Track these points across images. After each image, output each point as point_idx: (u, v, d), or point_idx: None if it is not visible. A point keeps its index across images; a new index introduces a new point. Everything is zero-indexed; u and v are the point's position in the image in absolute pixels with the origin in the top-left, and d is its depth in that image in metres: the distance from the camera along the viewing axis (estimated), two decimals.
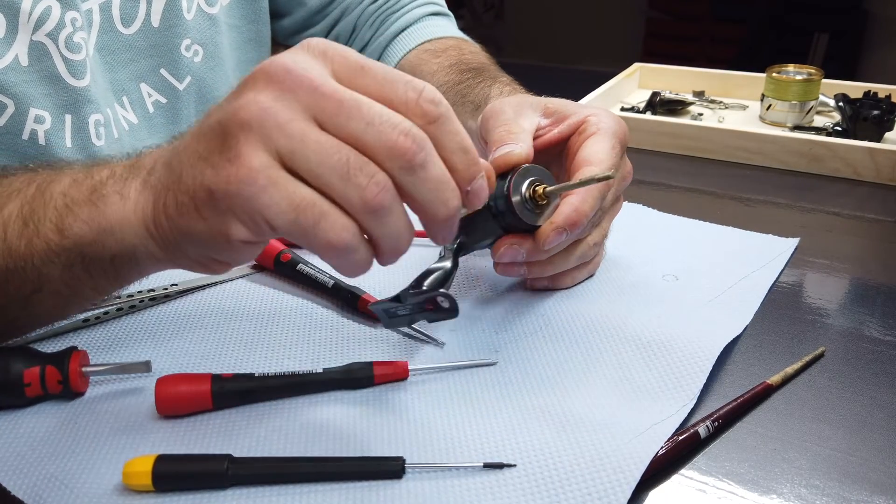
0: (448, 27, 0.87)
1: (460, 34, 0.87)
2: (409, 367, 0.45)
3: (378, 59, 0.85)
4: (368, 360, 0.46)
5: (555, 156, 0.55)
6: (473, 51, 0.82)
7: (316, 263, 0.56)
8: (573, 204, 0.49)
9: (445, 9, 0.91)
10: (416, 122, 0.36)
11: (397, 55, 0.84)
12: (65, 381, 0.43)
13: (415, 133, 0.35)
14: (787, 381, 0.46)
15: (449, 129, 0.37)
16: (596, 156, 0.51)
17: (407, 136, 0.35)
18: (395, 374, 0.45)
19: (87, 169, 0.44)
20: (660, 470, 0.39)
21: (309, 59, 0.36)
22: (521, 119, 0.53)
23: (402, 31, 0.85)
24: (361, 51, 0.87)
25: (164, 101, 0.73)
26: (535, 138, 0.53)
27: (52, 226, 0.42)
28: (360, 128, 0.35)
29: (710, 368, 0.45)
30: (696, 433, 0.41)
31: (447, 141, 0.37)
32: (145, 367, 0.45)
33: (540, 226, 0.48)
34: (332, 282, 0.54)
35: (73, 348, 0.45)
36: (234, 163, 0.35)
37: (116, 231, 0.41)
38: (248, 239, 0.37)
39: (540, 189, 0.48)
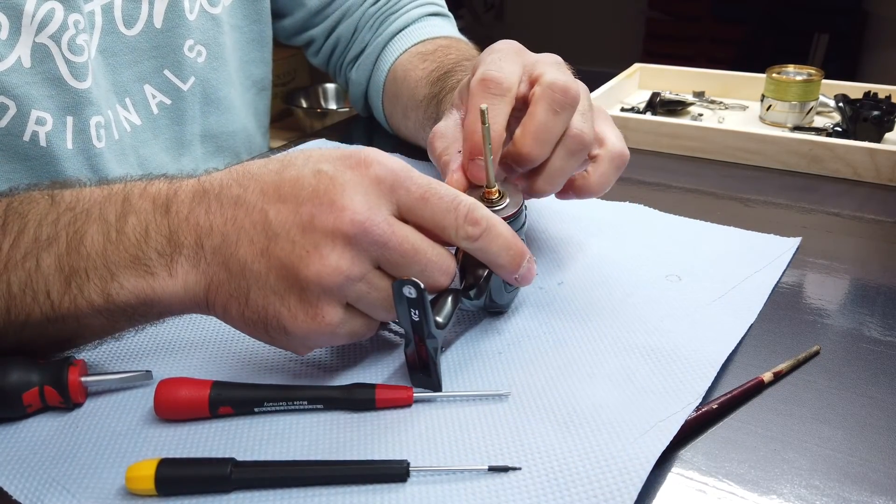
0: (445, 27, 0.87)
1: (457, 34, 0.87)
2: (414, 395, 0.44)
3: (375, 61, 0.86)
4: (373, 378, 0.46)
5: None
6: (461, 48, 0.81)
7: None
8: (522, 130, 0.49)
9: (445, 9, 0.91)
10: (462, 243, 0.43)
11: (392, 57, 0.84)
12: (65, 397, 0.43)
13: (452, 272, 0.44)
14: (778, 376, 0.46)
15: (493, 236, 0.44)
16: (476, 72, 0.51)
17: (448, 276, 0.44)
18: (398, 400, 0.44)
19: (111, 216, 0.43)
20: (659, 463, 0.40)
21: (379, 201, 0.41)
22: (451, 146, 0.53)
23: (399, 32, 0.85)
24: (361, 52, 0.87)
25: (168, 102, 0.74)
26: None
27: (96, 289, 0.42)
28: (415, 271, 0.42)
29: (716, 373, 0.45)
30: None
31: (493, 247, 0.44)
32: (146, 376, 0.45)
33: (518, 210, 0.49)
34: None
35: (71, 359, 0.44)
36: (316, 319, 0.41)
37: (165, 302, 0.43)
38: (308, 353, 0.45)
39: (491, 190, 0.48)
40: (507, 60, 0.52)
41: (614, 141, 0.54)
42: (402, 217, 0.42)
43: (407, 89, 0.79)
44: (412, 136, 0.81)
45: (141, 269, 0.42)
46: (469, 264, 0.48)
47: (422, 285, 0.40)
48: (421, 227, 0.43)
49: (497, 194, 0.49)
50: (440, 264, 0.43)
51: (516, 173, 0.51)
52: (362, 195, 0.41)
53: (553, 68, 0.51)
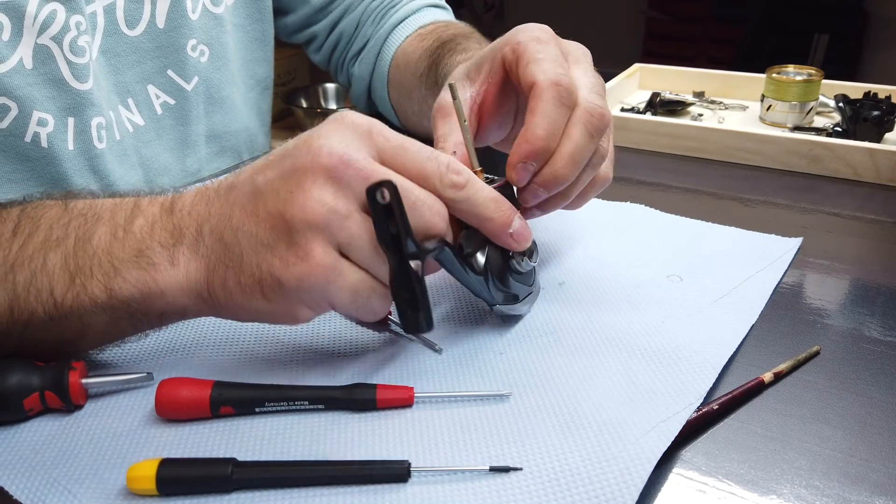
0: (443, 16, 0.88)
1: (454, 21, 0.88)
2: (416, 394, 0.44)
3: (378, 53, 0.86)
4: (374, 378, 0.46)
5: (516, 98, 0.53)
6: (458, 26, 0.82)
7: None
8: (525, 133, 0.45)
9: (443, 2, 0.92)
10: (448, 192, 0.42)
11: (394, 47, 0.84)
12: (66, 401, 0.43)
13: (444, 216, 0.42)
14: (779, 376, 0.46)
15: (477, 188, 0.43)
16: (537, 68, 0.48)
17: (441, 218, 0.42)
18: (399, 400, 0.44)
19: (120, 219, 0.44)
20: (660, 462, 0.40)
21: (357, 143, 0.40)
22: (452, 133, 0.50)
23: (400, 23, 0.86)
24: (363, 47, 0.88)
25: (172, 102, 0.74)
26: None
27: (99, 284, 0.42)
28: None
29: (718, 373, 0.46)
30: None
31: (478, 197, 0.43)
32: (147, 378, 0.45)
33: (505, 182, 0.47)
34: None
35: (70, 364, 0.44)
36: (307, 260, 0.39)
37: (167, 295, 0.43)
38: (311, 317, 0.43)
39: (478, 171, 0.48)
40: (552, 51, 0.49)
41: (606, 165, 0.52)
42: (383, 164, 0.41)
43: (409, 71, 0.80)
44: (417, 120, 0.81)
45: (144, 261, 0.42)
46: (470, 243, 0.46)
47: (395, 184, 0.38)
48: (402, 175, 0.41)
49: (483, 175, 0.48)
50: (429, 203, 0.41)
51: (538, 198, 0.48)
52: (339, 136, 0.40)
53: (586, 80, 0.49)
